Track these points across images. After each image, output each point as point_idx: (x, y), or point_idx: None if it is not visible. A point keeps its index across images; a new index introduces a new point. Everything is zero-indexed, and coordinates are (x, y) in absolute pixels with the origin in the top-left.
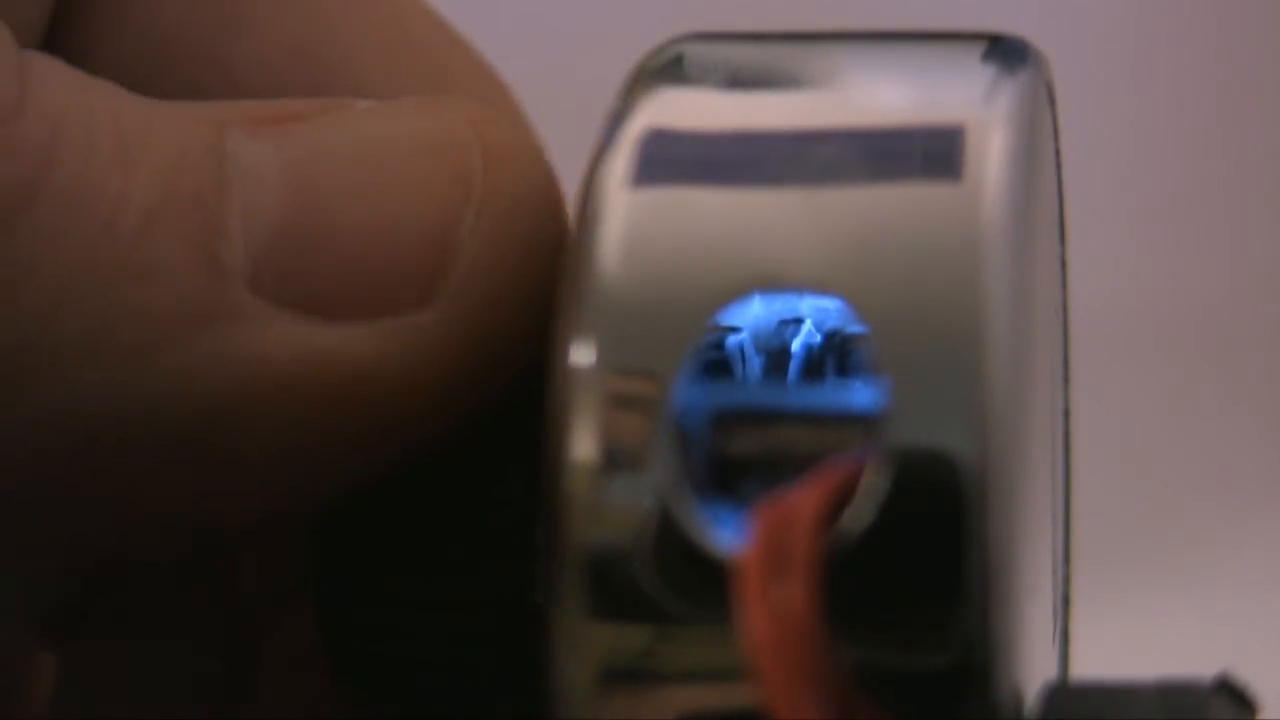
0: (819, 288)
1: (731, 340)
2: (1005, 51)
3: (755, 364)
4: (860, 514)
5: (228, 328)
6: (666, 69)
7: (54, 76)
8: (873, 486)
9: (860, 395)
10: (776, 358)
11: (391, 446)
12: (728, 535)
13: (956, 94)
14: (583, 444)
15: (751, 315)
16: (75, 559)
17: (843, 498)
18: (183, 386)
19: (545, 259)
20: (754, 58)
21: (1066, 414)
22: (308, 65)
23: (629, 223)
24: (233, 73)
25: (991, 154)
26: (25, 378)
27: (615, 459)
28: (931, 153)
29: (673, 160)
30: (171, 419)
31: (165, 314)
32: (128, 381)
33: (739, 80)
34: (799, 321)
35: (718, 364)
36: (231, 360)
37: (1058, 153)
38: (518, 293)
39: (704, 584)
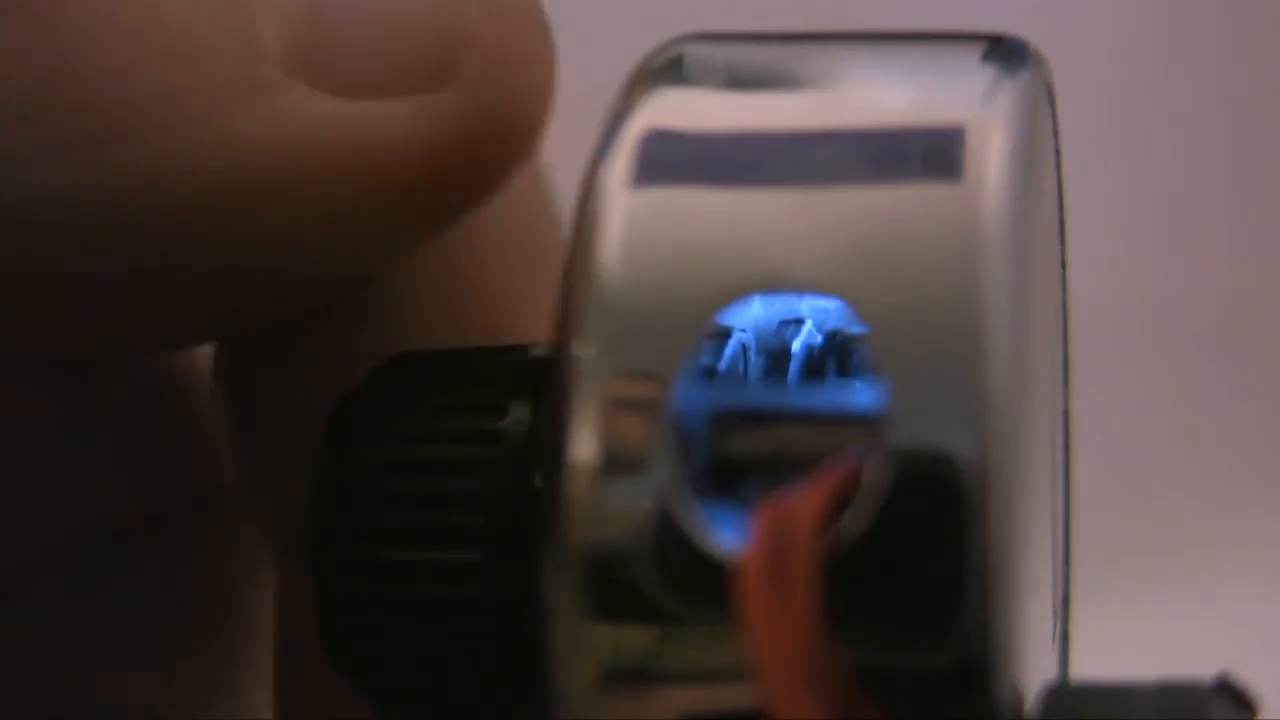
0: (819, 288)
1: (732, 341)
2: (1005, 52)
3: (755, 364)
4: (860, 514)
5: (267, 101)
6: (666, 69)
7: None
8: (873, 487)
9: (860, 395)
10: (776, 358)
11: (414, 221)
12: (728, 536)
13: (956, 94)
14: (583, 445)
15: (751, 316)
16: (105, 332)
17: (843, 498)
18: (231, 155)
19: (543, 53)
20: (754, 58)
21: (1066, 414)
22: None
23: (629, 223)
24: None
25: (991, 154)
26: (95, 145)
27: (616, 460)
28: (931, 153)
29: (673, 160)
30: (222, 187)
31: (214, 88)
32: (185, 149)
33: (739, 80)
34: (799, 322)
35: (718, 365)
36: (273, 130)
37: (1058, 153)
38: (524, 81)
39: (705, 584)
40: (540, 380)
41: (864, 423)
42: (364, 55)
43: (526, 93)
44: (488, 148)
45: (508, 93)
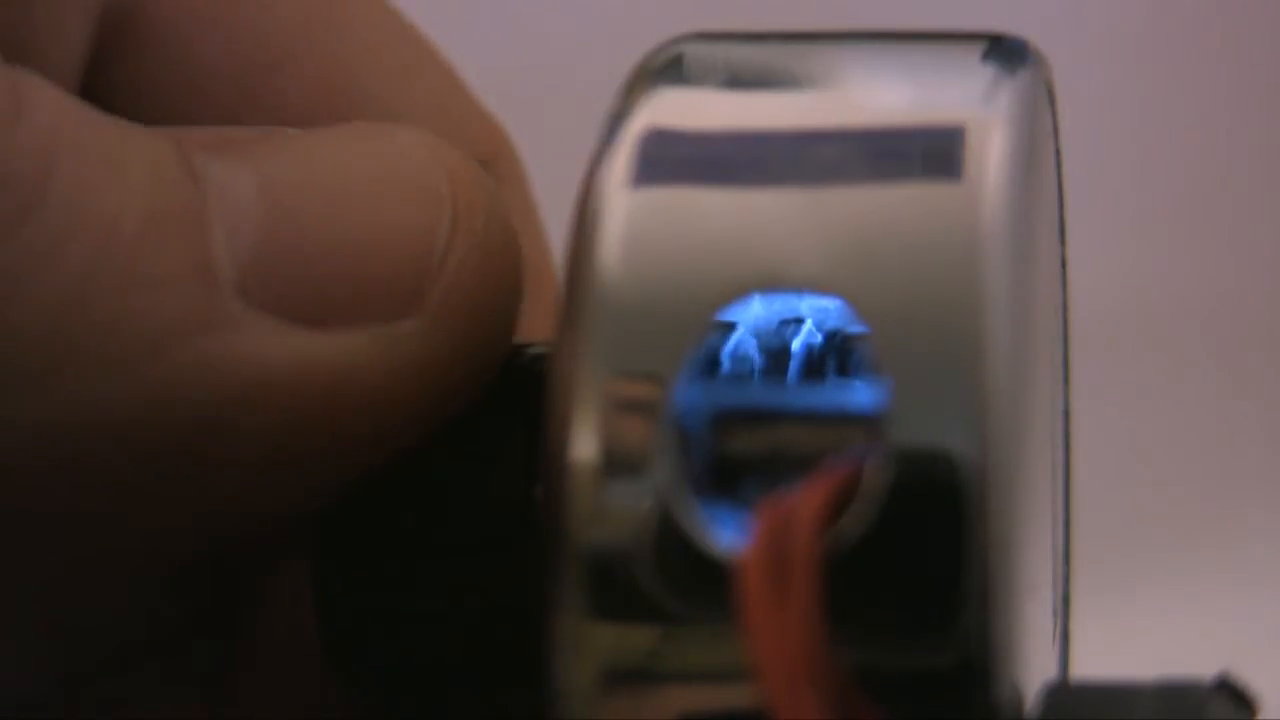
0: (819, 288)
1: (732, 341)
2: (1005, 51)
3: (755, 364)
4: (860, 514)
5: (223, 333)
6: (666, 69)
7: (42, 89)
8: (873, 486)
9: (860, 395)
10: (776, 358)
11: (378, 447)
12: (728, 535)
13: (956, 94)
14: (584, 445)
15: (751, 315)
16: (75, 573)
17: (843, 498)
18: (181, 390)
19: (512, 275)
20: (754, 58)
21: (1066, 414)
22: (336, 100)
23: (629, 223)
24: (268, 106)
25: (991, 154)
26: (41, 379)
27: (616, 460)
28: (931, 153)
29: (673, 160)
30: (171, 423)
31: (165, 319)
32: (132, 385)
33: (739, 80)
34: (799, 321)
35: (718, 364)
36: (227, 363)
37: (1058, 153)
38: (492, 306)
39: (705, 584)
40: (540, 380)
41: (864, 423)
42: (326, 283)
43: (493, 316)
44: (452, 375)
45: (474, 321)
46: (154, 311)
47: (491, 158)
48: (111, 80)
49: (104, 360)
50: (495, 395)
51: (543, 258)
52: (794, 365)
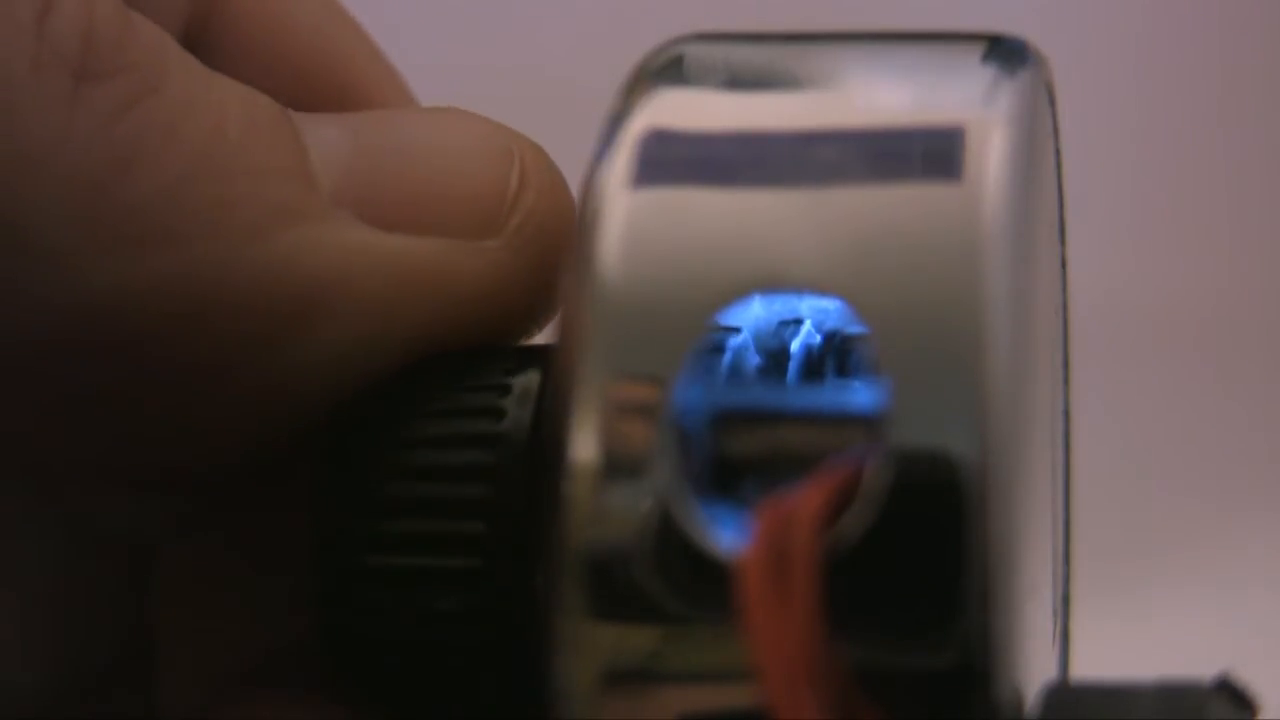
0: (819, 288)
1: (732, 341)
2: (1005, 52)
3: (755, 364)
4: (860, 514)
5: (319, 224)
6: (666, 69)
7: (149, 21)
8: (873, 487)
9: (860, 395)
10: (776, 358)
11: (446, 343)
12: (728, 536)
13: (956, 94)
14: (584, 446)
15: (751, 316)
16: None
17: (843, 498)
18: (278, 271)
19: (571, 222)
20: (754, 58)
21: (1066, 414)
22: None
23: (629, 223)
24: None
25: (991, 154)
26: (159, 243)
27: (616, 461)
28: (932, 153)
29: (673, 160)
30: (266, 298)
31: (267, 206)
32: (234, 259)
33: (739, 80)
34: (799, 322)
35: (718, 365)
36: (322, 249)
37: (1058, 153)
38: (556, 242)
39: (705, 584)
40: (540, 382)
41: (864, 423)
42: (411, 201)
43: (555, 254)
44: (524, 289)
45: (541, 254)
46: (258, 197)
47: None
48: None
49: (213, 234)
50: (495, 398)
51: None
52: (793, 366)
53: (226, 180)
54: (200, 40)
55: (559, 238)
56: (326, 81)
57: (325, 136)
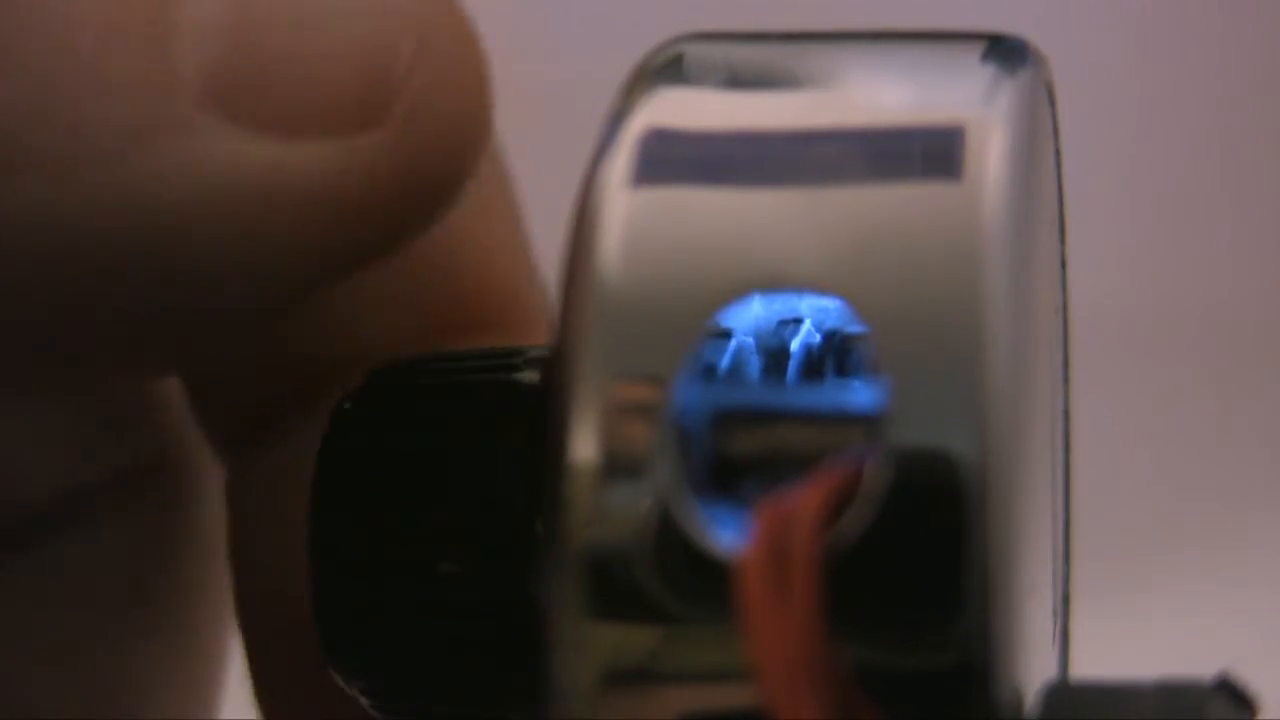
0: (819, 288)
1: (731, 341)
2: (1005, 51)
3: (755, 364)
4: (860, 514)
5: (184, 138)
6: (666, 69)
7: None
8: (873, 486)
9: (860, 395)
10: (776, 358)
11: (338, 260)
12: (728, 535)
13: (956, 94)
14: (583, 445)
15: (751, 315)
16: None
17: (843, 498)
18: (141, 196)
19: (478, 98)
20: (754, 58)
21: (1066, 414)
22: None
23: (629, 223)
24: None
25: (991, 154)
26: (6, 173)
27: (616, 460)
28: (931, 153)
29: (673, 160)
30: (131, 229)
31: (125, 125)
32: (91, 192)
33: (739, 80)
34: (799, 321)
35: (718, 365)
36: (188, 168)
37: (1058, 153)
38: (457, 128)
39: (705, 584)
40: (540, 381)
41: (864, 423)
42: (289, 93)
43: (457, 137)
44: (412, 193)
45: (437, 138)
46: (113, 118)
47: None
48: None
49: (62, 166)
50: (495, 396)
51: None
52: (793, 365)
53: (75, 104)
54: None
55: (457, 120)
56: None
57: (203, 6)
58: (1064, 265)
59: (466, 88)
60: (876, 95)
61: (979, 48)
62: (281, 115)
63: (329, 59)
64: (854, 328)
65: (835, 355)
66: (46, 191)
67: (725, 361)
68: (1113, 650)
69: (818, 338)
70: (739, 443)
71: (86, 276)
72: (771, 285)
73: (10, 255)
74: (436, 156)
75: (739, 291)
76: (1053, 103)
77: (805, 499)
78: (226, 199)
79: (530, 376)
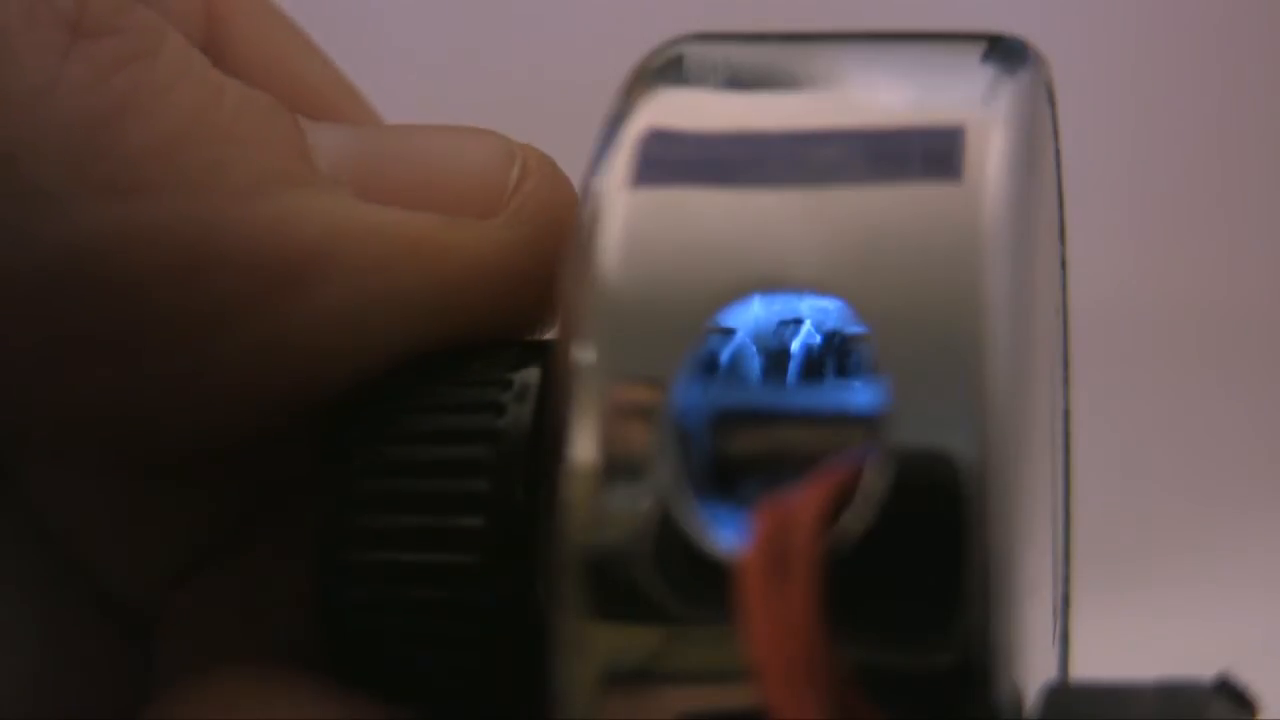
0: (819, 288)
1: (731, 341)
2: (1005, 51)
3: (755, 365)
4: (860, 514)
5: (313, 192)
6: (666, 69)
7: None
8: (873, 487)
9: (860, 395)
10: (776, 358)
11: (445, 320)
12: (728, 536)
13: (956, 94)
14: (584, 446)
15: (751, 316)
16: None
17: (843, 498)
18: (268, 231)
19: (572, 211)
20: (754, 58)
21: (1066, 414)
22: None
23: (629, 223)
24: None
25: (991, 154)
26: (145, 191)
27: (616, 461)
28: (931, 153)
29: (673, 160)
30: (257, 257)
31: (259, 171)
32: (224, 216)
33: (739, 80)
34: (799, 322)
35: (718, 366)
36: (315, 215)
37: (1058, 153)
38: (556, 234)
39: (705, 585)
40: (540, 380)
41: (864, 423)
42: (413, 184)
43: (558, 237)
44: (527, 278)
45: (546, 233)
46: (251, 162)
47: None
48: None
49: (203, 192)
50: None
51: None
52: (793, 366)
53: (219, 144)
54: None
55: (560, 223)
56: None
57: (325, 130)
58: (1064, 265)
59: (562, 203)
60: (876, 96)
61: (979, 48)
62: (408, 194)
63: (448, 174)
64: (854, 328)
65: (835, 356)
66: (182, 212)
67: (725, 362)
68: (1113, 650)
69: (818, 338)
70: (739, 443)
71: (211, 297)
72: (772, 286)
73: (143, 265)
74: (540, 251)
75: (739, 292)
76: (1053, 103)
77: (805, 499)
78: (353, 245)
79: (531, 375)
